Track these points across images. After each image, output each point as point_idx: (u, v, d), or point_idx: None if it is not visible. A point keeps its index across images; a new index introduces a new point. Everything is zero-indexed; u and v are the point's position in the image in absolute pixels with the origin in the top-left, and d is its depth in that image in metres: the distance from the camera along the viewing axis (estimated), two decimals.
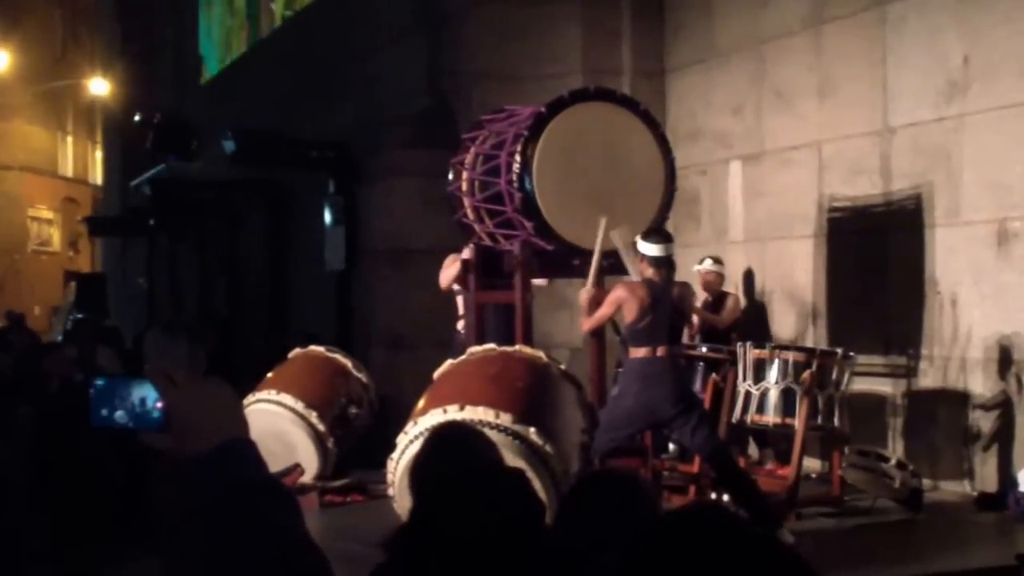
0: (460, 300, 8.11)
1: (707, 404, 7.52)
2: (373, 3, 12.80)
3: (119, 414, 1.71)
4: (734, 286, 9.34)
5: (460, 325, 8.11)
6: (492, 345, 6.37)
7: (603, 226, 6.74)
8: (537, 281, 7.56)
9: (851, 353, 7.34)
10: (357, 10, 13.19)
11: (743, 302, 9.22)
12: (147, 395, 1.70)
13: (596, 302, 6.68)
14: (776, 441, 8.32)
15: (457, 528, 2.28)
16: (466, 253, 7.67)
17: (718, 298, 8.80)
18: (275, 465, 6.87)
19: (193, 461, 1.65)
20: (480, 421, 5.39)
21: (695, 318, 8.08)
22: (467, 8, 11.06)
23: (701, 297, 8.54)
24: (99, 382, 1.73)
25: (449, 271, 7.97)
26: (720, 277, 8.88)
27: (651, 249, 6.52)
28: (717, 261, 8.89)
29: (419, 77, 11.51)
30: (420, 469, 2.96)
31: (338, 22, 13.69)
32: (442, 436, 3.07)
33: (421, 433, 5.61)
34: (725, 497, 6.60)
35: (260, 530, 1.60)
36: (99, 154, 35.76)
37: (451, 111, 10.82)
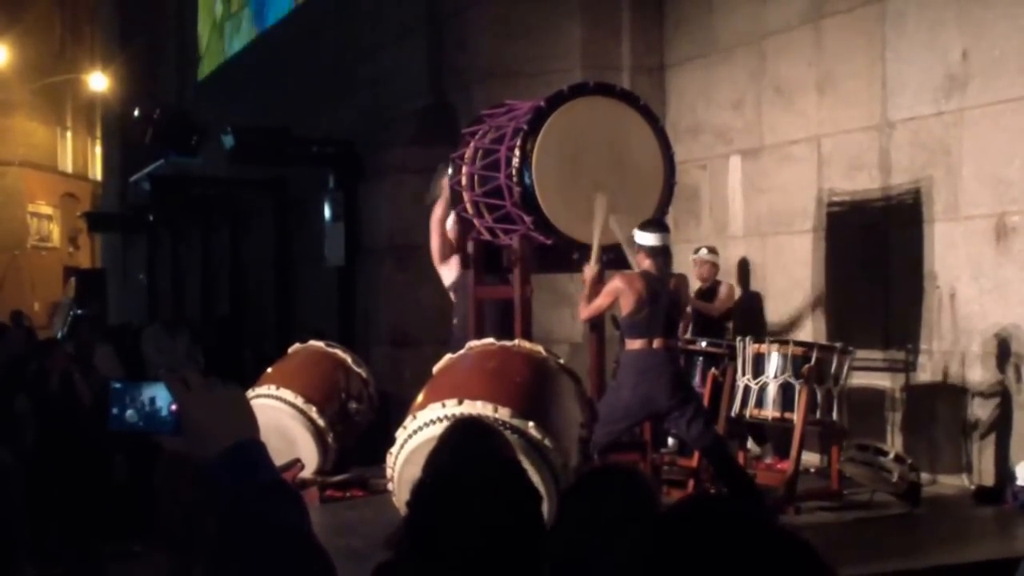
0: (452, 295, 8.11)
1: (706, 398, 7.53)
2: (376, 1, 12.80)
3: (129, 413, 1.72)
4: (734, 280, 9.36)
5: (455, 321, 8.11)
6: (491, 339, 6.38)
7: (601, 204, 6.72)
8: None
9: (850, 347, 7.35)
10: (360, 8, 13.19)
11: (738, 292, 9.24)
12: (156, 395, 1.71)
13: (596, 289, 6.69)
14: (775, 435, 8.33)
15: (459, 525, 2.29)
16: (449, 223, 7.61)
17: (712, 287, 8.83)
18: (275, 460, 6.87)
19: (204, 463, 1.66)
20: (478, 416, 5.39)
21: (688, 309, 8.09)
22: (469, 5, 11.07)
23: (695, 286, 8.57)
24: (116, 385, 1.75)
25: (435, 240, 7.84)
26: (715, 267, 8.92)
27: (647, 239, 6.54)
28: (712, 251, 8.93)
29: (422, 74, 11.52)
30: (429, 463, 2.96)
31: (341, 20, 13.69)
32: (456, 432, 3.07)
33: (420, 427, 5.62)
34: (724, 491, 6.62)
35: (269, 531, 1.61)
36: (99, 150, 35.75)
37: (454, 108, 10.83)
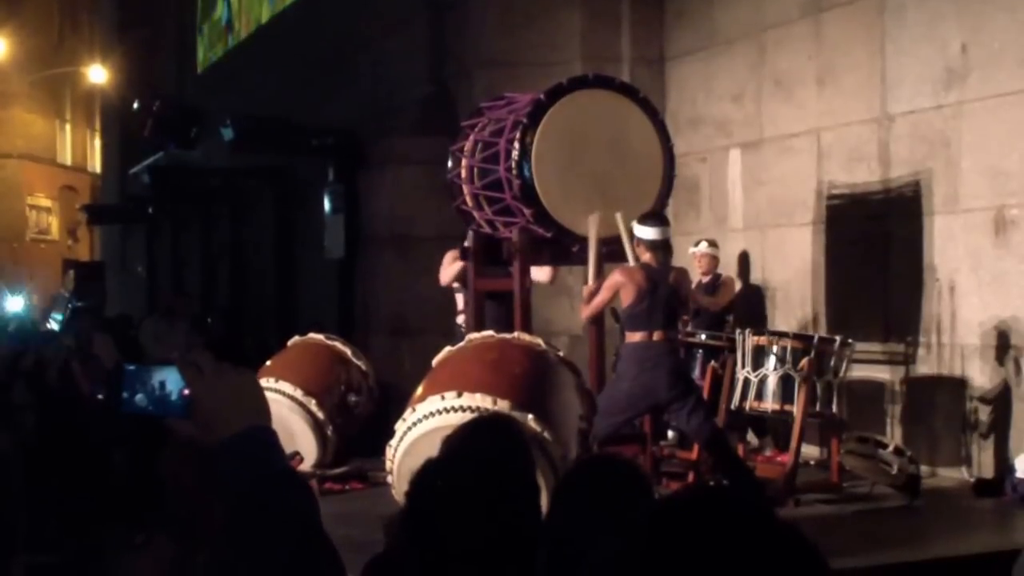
0: (460, 296, 8.13)
1: (706, 391, 7.54)
2: None
3: (139, 397, 1.72)
4: (733, 273, 9.35)
5: (460, 320, 8.13)
6: (491, 332, 6.38)
7: (595, 222, 6.76)
8: (539, 277, 7.59)
9: (849, 340, 7.35)
10: None
11: (738, 285, 9.24)
12: (167, 379, 1.71)
13: (593, 294, 6.74)
14: (775, 428, 8.34)
15: (456, 513, 2.30)
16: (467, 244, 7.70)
17: (713, 280, 8.82)
18: None
19: (214, 447, 1.66)
20: (477, 408, 5.40)
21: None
22: None
23: (695, 279, 8.56)
24: (130, 367, 1.75)
25: (450, 269, 7.99)
26: (715, 260, 8.91)
27: (647, 232, 6.55)
28: (712, 244, 8.92)
29: (422, 65, 11.51)
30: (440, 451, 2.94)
31: (341, 10, 13.67)
32: (471, 423, 3.04)
33: (419, 420, 5.63)
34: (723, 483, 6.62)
35: (277, 518, 1.61)
36: (98, 142, 35.71)
37: (454, 98, 10.82)
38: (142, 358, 10.59)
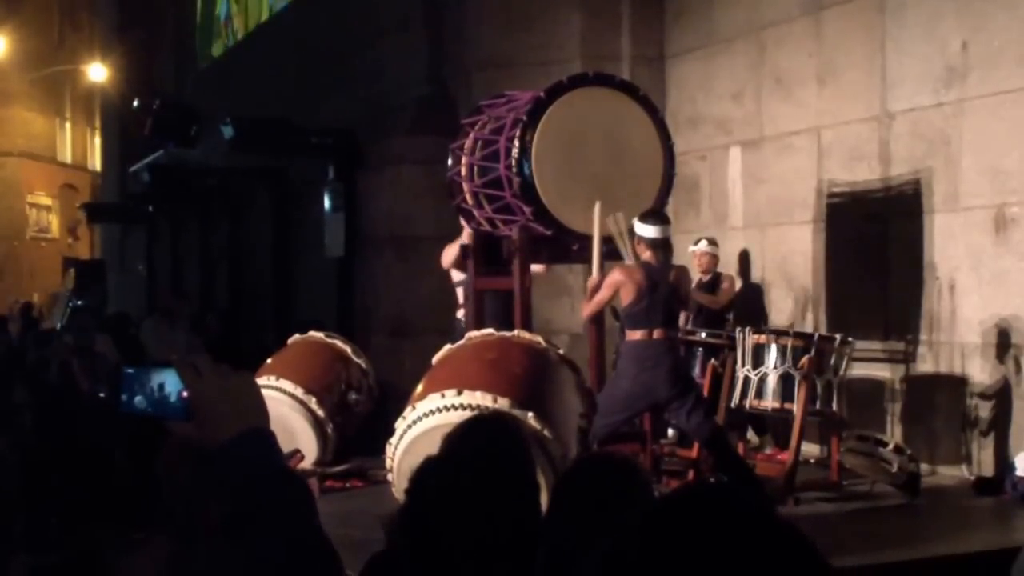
0: (460, 291, 8.14)
1: (706, 389, 7.54)
2: None
3: (138, 399, 1.72)
4: (733, 272, 9.36)
5: (460, 314, 8.13)
6: (491, 330, 6.38)
7: (598, 211, 6.77)
8: (535, 268, 7.59)
9: (849, 338, 7.35)
10: None
11: (739, 284, 9.24)
12: (166, 381, 1.71)
13: (597, 289, 6.74)
14: (775, 426, 8.34)
15: (455, 510, 2.29)
16: (465, 236, 7.70)
17: (713, 279, 8.82)
18: None
19: (213, 449, 1.66)
20: (477, 406, 5.40)
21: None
22: None
23: (695, 277, 8.57)
24: (129, 369, 1.74)
25: (450, 251, 7.98)
26: (715, 258, 8.91)
27: (648, 231, 6.55)
28: (712, 242, 8.92)
29: (421, 64, 11.51)
30: (440, 449, 2.94)
31: (340, 9, 13.67)
32: (470, 421, 3.04)
33: (419, 418, 5.63)
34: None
35: (275, 518, 1.61)
36: (98, 140, 35.71)
37: (453, 98, 10.81)
38: (143, 357, 10.59)
